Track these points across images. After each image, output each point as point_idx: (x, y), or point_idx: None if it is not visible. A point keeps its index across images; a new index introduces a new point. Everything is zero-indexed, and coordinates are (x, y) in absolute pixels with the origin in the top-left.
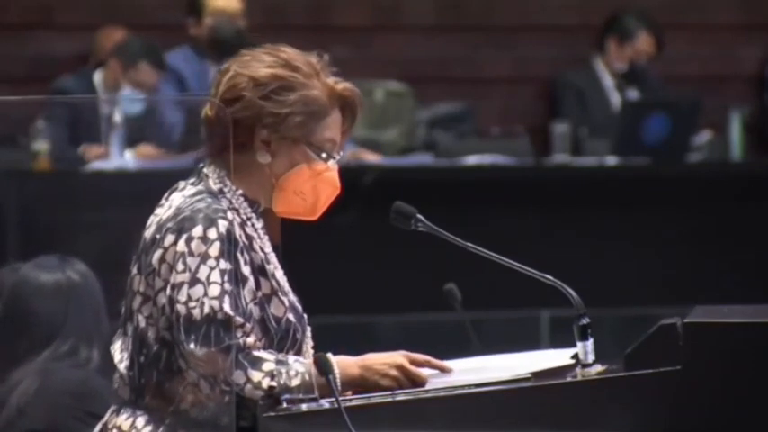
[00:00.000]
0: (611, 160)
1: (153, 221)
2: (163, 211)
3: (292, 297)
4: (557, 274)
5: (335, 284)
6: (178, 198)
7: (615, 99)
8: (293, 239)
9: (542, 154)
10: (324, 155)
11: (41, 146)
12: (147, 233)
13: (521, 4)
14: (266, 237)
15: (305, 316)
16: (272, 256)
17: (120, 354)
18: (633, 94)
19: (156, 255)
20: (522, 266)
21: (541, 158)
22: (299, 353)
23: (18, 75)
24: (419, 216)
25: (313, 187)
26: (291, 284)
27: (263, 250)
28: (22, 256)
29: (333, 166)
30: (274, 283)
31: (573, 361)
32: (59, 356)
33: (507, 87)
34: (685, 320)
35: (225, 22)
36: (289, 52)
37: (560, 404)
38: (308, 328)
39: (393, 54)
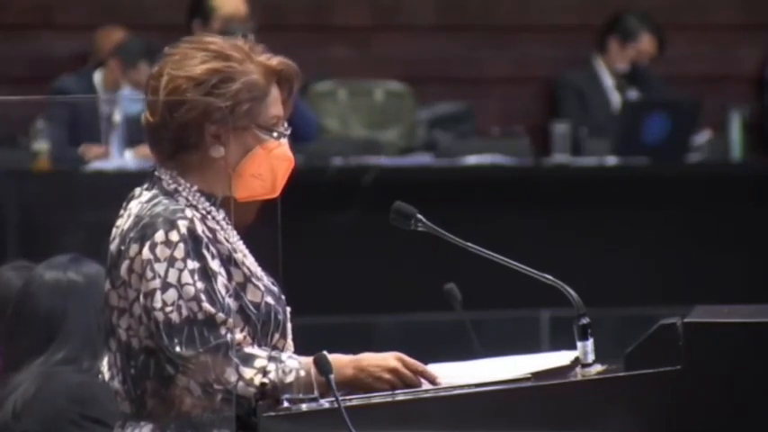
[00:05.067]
0: (611, 160)
1: (116, 233)
2: (123, 222)
3: (267, 281)
4: (557, 274)
5: (335, 284)
6: (136, 206)
7: (615, 99)
8: (293, 239)
9: (542, 154)
10: (275, 134)
11: (41, 146)
12: (112, 246)
13: (521, 4)
14: (230, 226)
15: (282, 297)
16: (240, 245)
17: (109, 371)
18: (633, 94)
19: (124, 266)
20: (522, 266)
21: (541, 158)
22: (283, 334)
23: (18, 75)
24: (419, 216)
25: (270, 166)
26: (285, 280)
27: (228, 240)
28: (22, 256)
29: (283, 140)
30: (246, 270)
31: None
32: (61, 360)
33: (507, 87)
34: (685, 320)
35: (237, 24)
36: (217, 42)
37: (560, 404)
38: (288, 309)
39: (393, 54)
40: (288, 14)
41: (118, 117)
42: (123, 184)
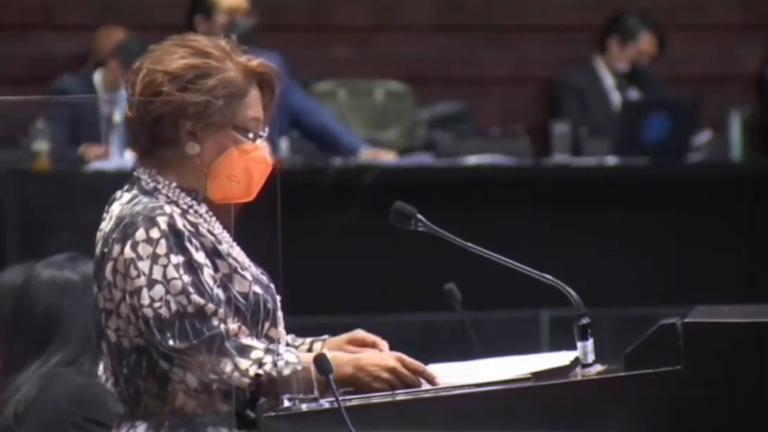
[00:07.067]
0: (611, 160)
1: (99, 237)
2: (105, 224)
3: (255, 270)
4: (557, 274)
5: (335, 284)
6: (117, 207)
7: (616, 99)
8: (294, 239)
9: (542, 154)
10: (250, 134)
11: (41, 146)
12: (97, 249)
13: (521, 4)
14: (213, 218)
15: (272, 285)
16: (225, 236)
17: (103, 374)
18: (634, 93)
19: (108, 267)
20: (522, 266)
21: (541, 158)
22: (274, 323)
23: (18, 75)
24: (419, 216)
25: (245, 168)
26: (285, 280)
27: (211, 233)
28: (22, 256)
29: (261, 144)
30: (231, 261)
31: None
32: (60, 361)
33: (507, 87)
34: (685, 320)
35: (240, 17)
36: (198, 40)
37: (560, 404)
38: (278, 298)
39: (393, 54)
40: (288, 14)
41: (118, 117)
42: (123, 185)
